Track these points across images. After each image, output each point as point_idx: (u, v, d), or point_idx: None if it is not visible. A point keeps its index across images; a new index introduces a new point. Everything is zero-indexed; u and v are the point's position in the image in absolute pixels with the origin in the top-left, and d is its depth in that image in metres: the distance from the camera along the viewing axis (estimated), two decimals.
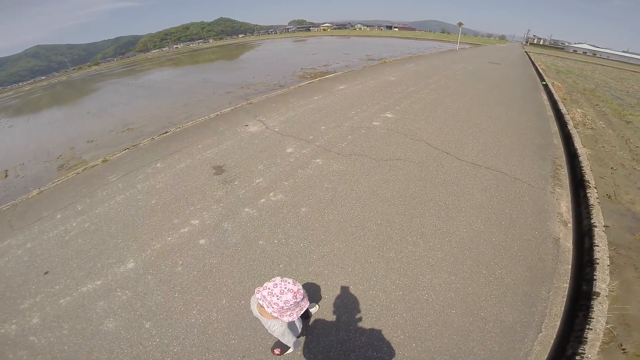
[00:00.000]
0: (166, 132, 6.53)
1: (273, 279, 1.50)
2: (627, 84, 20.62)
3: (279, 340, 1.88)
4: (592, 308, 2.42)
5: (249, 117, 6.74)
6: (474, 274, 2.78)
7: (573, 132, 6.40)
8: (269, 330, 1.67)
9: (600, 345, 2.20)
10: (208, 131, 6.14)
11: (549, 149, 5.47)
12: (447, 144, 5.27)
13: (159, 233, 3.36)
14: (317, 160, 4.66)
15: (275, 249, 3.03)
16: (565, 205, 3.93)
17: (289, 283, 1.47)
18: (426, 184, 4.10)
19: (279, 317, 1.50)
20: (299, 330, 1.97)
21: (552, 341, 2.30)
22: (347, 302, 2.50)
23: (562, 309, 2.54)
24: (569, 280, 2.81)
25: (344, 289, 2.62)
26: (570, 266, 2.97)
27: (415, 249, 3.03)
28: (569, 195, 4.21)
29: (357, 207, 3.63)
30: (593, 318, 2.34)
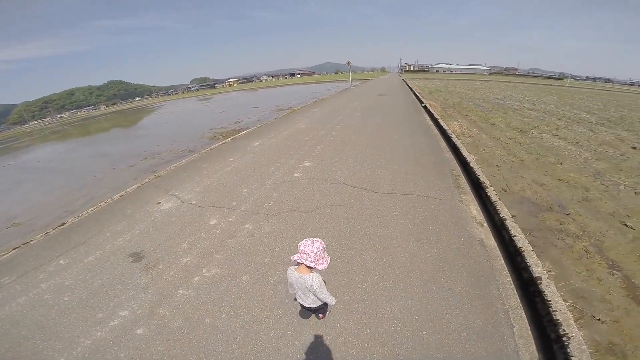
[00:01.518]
0: (63, 224, 5.35)
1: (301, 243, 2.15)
2: (480, 92, 26.33)
3: (318, 306, 2.36)
4: (544, 292, 2.55)
5: (160, 193, 6.06)
6: (427, 292, 2.88)
7: (458, 143, 7.64)
8: (307, 298, 2.25)
9: (576, 323, 2.28)
10: (114, 217, 5.27)
11: (445, 163, 6.38)
12: (362, 181, 5.66)
13: (85, 329, 2.83)
14: (247, 226, 4.40)
15: (226, 323, 2.73)
16: (474, 209, 4.50)
17: (314, 238, 2.15)
18: (355, 223, 4.24)
19: (315, 266, 2.07)
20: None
21: (530, 333, 2.42)
22: (320, 357, 2.35)
23: (519, 301, 2.74)
24: (509, 274, 3.08)
25: (312, 346, 2.45)
26: (502, 261, 3.29)
27: (365, 286, 3.04)
28: (474, 199, 4.86)
29: None
30: (550, 300, 2.45)
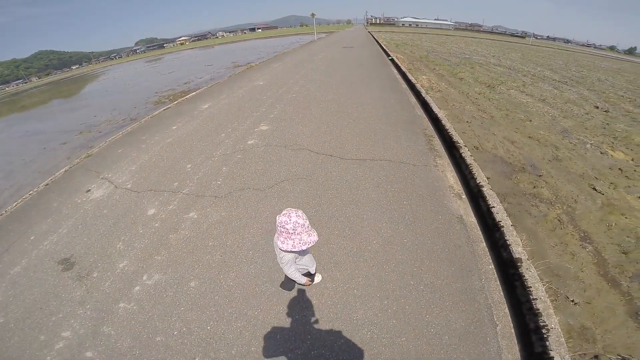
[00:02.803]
0: None
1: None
2: (447, 47, 25.71)
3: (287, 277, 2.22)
4: (524, 276, 2.36)
5: (90, 177, 4.96)
6: (404, 289, 2.44)
7: (428, 98, 7.08)
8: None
9: (553, 307, 2.18)
10: (39, 213, 4.26)
11: (416, 121, 5.82)
12: (328, 145, 4.95)
13: (32, 355, 2.37)
14: (191, 215, 3.59)
15: (180, 341, 2.24)
16: (451, 176, 4.07)
17: (292, 211, 1.76)
18: (321, 201, 3.61)
19: (276, 239, 1.88)
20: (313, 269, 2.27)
21: (513, 331, 2.14)
22: None
23: (502, 294, 2.42)
24: (491, 261, 2.73)
25: None
26: (484, 243, 2.93)
27: (335, 285, 2.53)
28: (450, 162, 4.43)
29: (256, 259, 2.88)
30: (530, 286, 2.27)
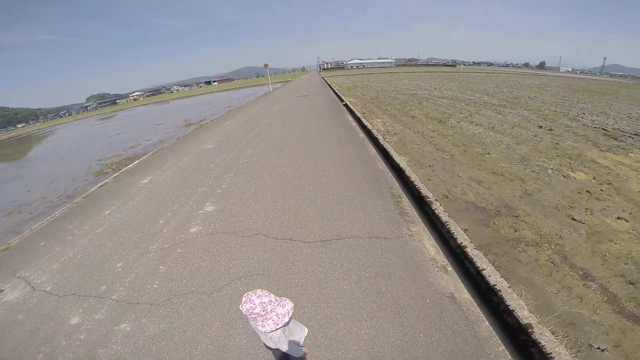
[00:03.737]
0: None
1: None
2: (393, 85, 27.62)
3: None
4: (539, 342, 2.13)
5: (5, 276, 4.07)
6: None
7: (386, 146, 6.88)
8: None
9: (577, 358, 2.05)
10: None
11: (380, 179, 5.42)
12: (286, 225, 4.27)
13: None
14: (123, 326, 2.89)
15: None
16: (431, 245, 3.60)
17: (252, 295, 1.60)
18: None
19: (254, 325, 1.64)
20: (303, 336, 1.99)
21: None
22: None
23: None
24: (500, 341, 2.33)
25: None
26: (486, 322, 2.50)
27: None
28: (425, 227, 3.96)
29: None
30: (550, 352, 2.06)
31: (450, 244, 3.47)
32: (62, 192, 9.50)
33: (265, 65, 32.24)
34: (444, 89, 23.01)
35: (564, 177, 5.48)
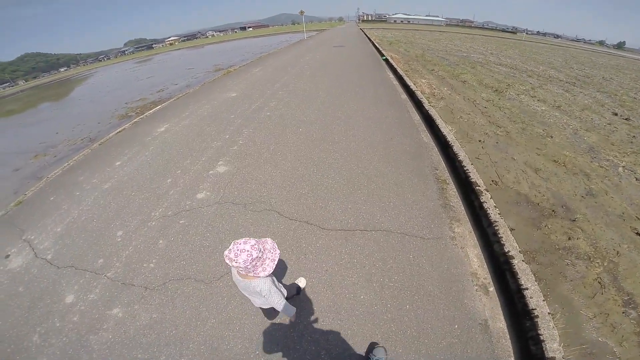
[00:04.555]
0: None
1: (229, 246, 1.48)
2: (442, 44, 24.41)
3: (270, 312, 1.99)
4: None
5: (13, 237, 3.91)
6: None
7: (432, 112, 5.79)
8: (257, 298, 1.72)
9: None
10: None
11: (423, 155, 4.44)
12: (304, 202, 3.58)
13: None
14: (115, 311, 2.62)
15: None
16: (475, 254, 2.80)
17: (239, 244, 1.46)
18: None
19: (254, 275, 1.53)
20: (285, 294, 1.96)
21: None
22: None
23: None
24: None
25: None
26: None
27: None
28: (471, 230, 3.10)
29: None
30: None
31: (495, 251, 2.76)
32: (85, 135, 9.48)
33: (301, 12, 29.77)
34: (502, 55, 19.81)
35: (637, 179, 4.38)
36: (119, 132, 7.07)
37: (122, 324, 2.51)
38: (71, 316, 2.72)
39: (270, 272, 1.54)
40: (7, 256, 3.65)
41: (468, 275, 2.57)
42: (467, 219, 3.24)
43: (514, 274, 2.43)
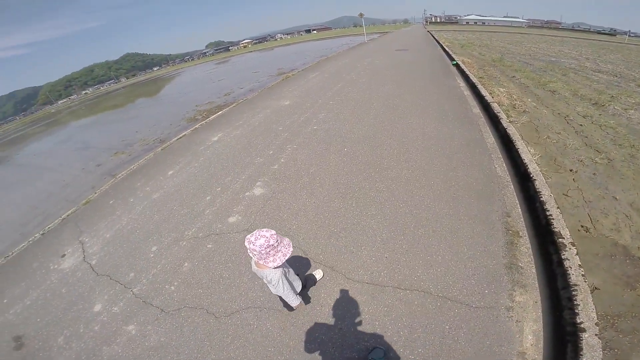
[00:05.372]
0: None
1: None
2: (524, 47, 21.41)
3: (284, 301, 2.18)
4: None
5: (73, 236, 4.40)
6: None
7: (511, 130, 4.83)
8: (270, 286, 1.95)
9: None
10: (17, 274, 4.03)
11: (495, 194, 3.55)
12: (333, 243, 3.14)
13: None
14: (130, 328, 2.74)
15: None
16: (532, 330, 2.15)
17: (262, 231, 1.70)
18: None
19: (264, 264, 1.75)
20: (297, 290, 2.16)
21: None
22: None
23: None
24: None
25: None
26: None
27: None
28: (539, 293, 2.41)
29: None
30: None
31: (564, 319, 2.13)
32: (157, 136, 10.59)
33: (360, 14, 29.19)
34: (601, 60, 16.34)
35: None
36: (180, 138, 7.54)
37: (133, 341, 2.59)
38: (94, 325, 2.88)
39: (279, 264, 1.73)
40: (63, 255, 4.04)
41: (513, 355, 1.95)
42: (537, 284, 2.47)
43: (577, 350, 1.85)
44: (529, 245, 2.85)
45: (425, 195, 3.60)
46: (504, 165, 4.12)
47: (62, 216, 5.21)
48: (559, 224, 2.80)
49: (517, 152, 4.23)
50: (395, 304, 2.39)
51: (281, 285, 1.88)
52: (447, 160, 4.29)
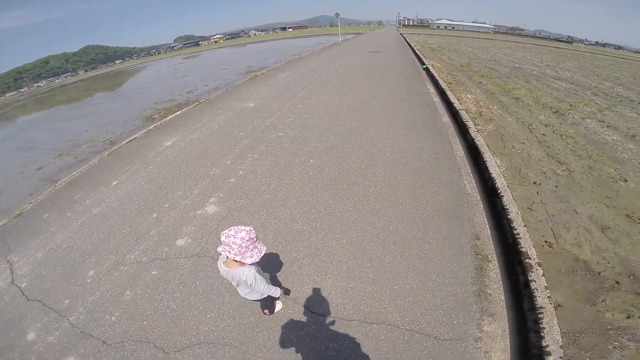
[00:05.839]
0: None
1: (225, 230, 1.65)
2: (490, 52, 22.35)
3: (263, 299, 2.08)
4: None
5: (1, 252, 3.82)
6: None
7: (479, 141, 4.80)
8: (244, 288, 1.89)
9: None
10: None
11: (464, 214, 3.36)
12: (295, 273, 2.81)
13: None
14: None
15: None
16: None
17: (239, 226, 1.64)
18: None
19: (242, 260, 1.65)
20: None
21: None
22: None
23: None
24: None
25: None
26: None
27: None
28: (507, 321, 2.32)
29: None
30: None
31: (528, 347, 2.10)
32: (108, 136, 9.61)
33: (337, 14, 29.05)
34: (560, 68, 17.44)
35: None
36: (130, 141, 6.76)
37: None
38: (29, 355, 2.54)
39: (257, 260, 1.68)
40: None
41: None
42: (505, 312, 2.34)
43: None
44: (497, 271, 2.70)
45: (393, 216, 3.34)
46: (473, 181, 3.99)
47: None
48: (526, 244, 2.77)
49: (485, 164, 4.14)
50: (361, 339, 2.17)
51: (259, 280, 1.81)
52: (416, 176, 4.08)
